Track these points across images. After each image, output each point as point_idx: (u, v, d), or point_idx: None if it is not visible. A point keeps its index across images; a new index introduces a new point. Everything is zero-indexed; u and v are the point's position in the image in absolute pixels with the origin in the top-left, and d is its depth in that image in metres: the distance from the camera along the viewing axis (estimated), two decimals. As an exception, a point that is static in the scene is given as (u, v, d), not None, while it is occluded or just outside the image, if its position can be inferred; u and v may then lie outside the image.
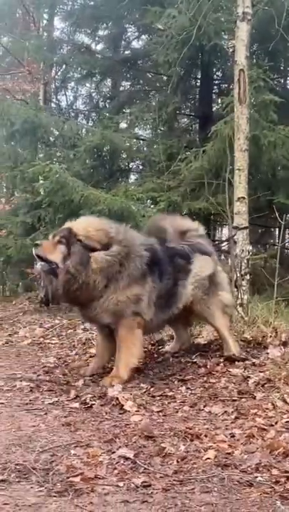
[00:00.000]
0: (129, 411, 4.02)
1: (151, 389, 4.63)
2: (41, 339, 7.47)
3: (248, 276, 6.76)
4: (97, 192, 9.62)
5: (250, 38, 7.03)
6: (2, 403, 4.25)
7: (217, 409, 3.99)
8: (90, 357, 5.98)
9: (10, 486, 2.79)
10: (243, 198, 6.77)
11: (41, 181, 10.00)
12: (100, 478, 2.87)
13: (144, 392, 4.55)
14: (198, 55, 10.92)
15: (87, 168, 10.94)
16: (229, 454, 3.18)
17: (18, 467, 3.02)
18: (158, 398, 4.38)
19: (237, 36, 6.82)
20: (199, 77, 11.87)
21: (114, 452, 3.23)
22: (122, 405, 4.09)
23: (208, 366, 5.10)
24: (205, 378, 4.84)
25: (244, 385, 4.58)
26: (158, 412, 4.01)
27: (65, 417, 3.93)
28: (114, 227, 5.01)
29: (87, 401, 4.25)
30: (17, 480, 2.87)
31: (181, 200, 9.71)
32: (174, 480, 2.82)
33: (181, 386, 4.70)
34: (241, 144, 6.78)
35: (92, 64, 12.83)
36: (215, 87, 12.25)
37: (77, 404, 4.21)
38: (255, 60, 9.78)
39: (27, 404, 4.26)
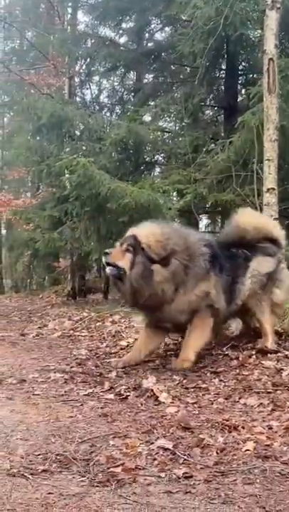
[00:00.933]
0: (164, 402, 4.03)
1: (184, 381, 4.63)
2: (71, 332, 7.54)
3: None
4: (123, 185, 9.64)
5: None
6: (38, 394, 4.29)
7: (252, 401, 3.97)
8: (121, 349, 6.02)
9: (52, 475, 2.82)
10: (273, 188, 6.74)
11: (67, 175, 10.06)
12: (140, 468, 2.88)
13: (178, 384, 4.56)
14: (223, 46, 10.87)
15: (113, 161, 10.95)
16: (268, 445, 3.16)
17: (58, 457, 3.04)
18: (192, 390, 4.38)
19: (266, 25, 6.77)
20: (224, 68, 11.78)
21: (152, 443, 3.24)
22: (157, 397, 4.11)
23: (240, 358, 5.09)
24: (237, 370, 4.83)
25: (278, 378, 4.56)
26: (193, 403, 4.01)
27: (101, 408, 3.96)
28: (174, 237, 4.94)
29: (122, 392, 4.28)
30: (59, 470, 2.89)
31: (208, 192, 9.68)
32: (216, 471, 2.82)
33: (214, 378, 4.69)
34: (271, 134, 6.74)
35: (117, 57, 12.84)
36: (240, 77, 12.16)
37: (112, 396, 4.23)
38: (281, 50, 9.69)
39: (62, 395, 4.29)
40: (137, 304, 5.02)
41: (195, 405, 3.98)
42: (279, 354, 5.17)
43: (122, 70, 13.38)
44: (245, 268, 5.32)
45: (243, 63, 11.92)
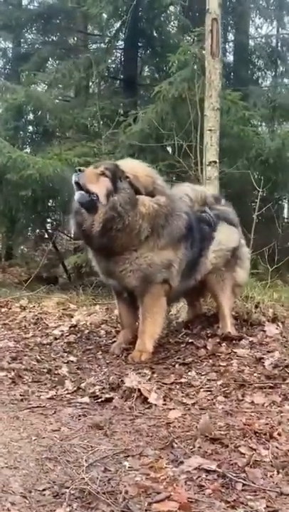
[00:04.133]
0: (155, 404, 3.31)
1: (154, 375, 3.93)
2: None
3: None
4: (26, 155, 8.65)
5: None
6: (-10, 400, 3.36)
7: (260, 399, 3.37)
8: (55, 339, 5.15)
9: (84, 523, 2.01)
10: (215, 162, 6.17)
11: None
12: (198, 502, 2.16)
13: (149, 379, 3.84)
14: (129, 10, 10.07)
15: (10, 129, 9.80)
16: None
17: (73, 492, 2.23)
18: (174, 387, 3.69)
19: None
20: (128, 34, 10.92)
21: (182, 462, 2.53)
22: (146, 398, 3.37)
23: (208, 347, 4.47)
24: (211, 361, 4.21)
25: (261, 368, 4.01)
26: (192, 404, 3.33)
27: (84, 415, 3.14)
28: (160, 178, 4.40)
29: (97, 394, 3.47)
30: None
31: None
32: (301, 500, 2.18)
33: (188, 371, 4.03)
34: (213, 101, 6.17)
35: (9, 16, 11.57)
36: (144, 49, 11.44)
37: (86, 399, 3.41)
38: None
39: (22, 400, 3.40)
40: (104, 237, 4.14)
41: (196, 406, 3.30)
42: (245, 341, 4.64)
43: (16, 30, 11.93)
44: (210, 239, 4.69)
45: (150, 33, 11.11)
